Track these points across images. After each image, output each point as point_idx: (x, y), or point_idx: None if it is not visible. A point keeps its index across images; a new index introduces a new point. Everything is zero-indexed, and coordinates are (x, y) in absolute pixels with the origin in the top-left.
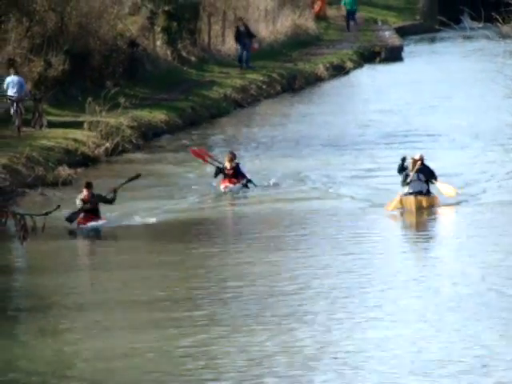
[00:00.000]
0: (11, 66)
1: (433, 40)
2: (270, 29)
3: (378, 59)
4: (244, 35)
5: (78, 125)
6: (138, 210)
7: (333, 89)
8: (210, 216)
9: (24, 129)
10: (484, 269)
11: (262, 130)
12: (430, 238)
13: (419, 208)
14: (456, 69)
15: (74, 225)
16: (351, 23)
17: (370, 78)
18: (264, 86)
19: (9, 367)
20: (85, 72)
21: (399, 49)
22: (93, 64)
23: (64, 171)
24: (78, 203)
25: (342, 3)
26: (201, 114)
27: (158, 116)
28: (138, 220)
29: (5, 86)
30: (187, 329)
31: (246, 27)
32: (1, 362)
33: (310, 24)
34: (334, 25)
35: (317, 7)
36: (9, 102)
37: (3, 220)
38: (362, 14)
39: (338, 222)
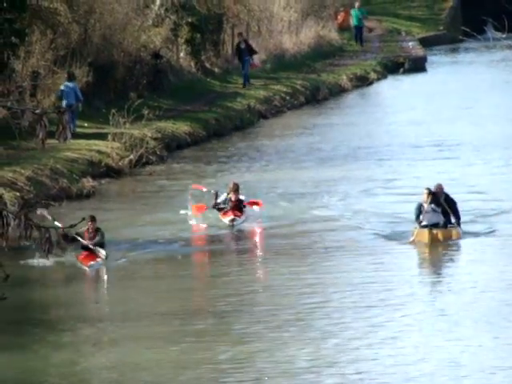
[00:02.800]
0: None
1: (456, 50)
2: (293, 40)
3: (401, 70)
4: (245, 52)
5: (101, 136)
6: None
7: (356, 100)
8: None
9: (48, 141)
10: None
11: (286, 142)
12: (438, 278)
13: (434, 241)
14: (480, 79)
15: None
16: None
17: (394, 88)
18: (288, 97)
19: (25, 379)
20: (109, 84)
21: (423, 59)
22: (116, 76)
23: (88, 183)
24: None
25: (352, 15)
26: (225, 126)
27: (182, 127)
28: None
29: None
30: (205, 342)
31: (247, 44)
32: (17, 373)
33: (333, 35)
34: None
35: (340, 18)
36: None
37: (28, 233)
38: (385, 24)
39: (349, 254)
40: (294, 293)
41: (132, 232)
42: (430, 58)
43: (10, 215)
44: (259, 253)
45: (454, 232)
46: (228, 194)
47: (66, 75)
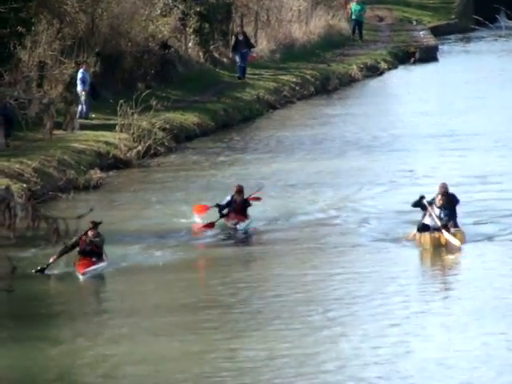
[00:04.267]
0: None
1: (468, 39)
2: (303, 29)
3: (412, 60)
4: (242, 44)
5: (109, 127)
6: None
7: (367, 90)
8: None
9: (55, 132)
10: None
11: (296, 133)
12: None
13: (436, 246)
14: (492, 69)
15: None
16: (356, 36)
17: (405, 78)
18: (297, 88)
19: (27, 373)
20: (116, 74)
21: (434, 49)
22: (124, 66)
23: (96, 174)
24: (74, 241)
25: (351, 9)
26: (233, 117)
27: (191, 118)
28: (142, 259)
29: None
30: (223, 334)
31: (245, 36)
32: (33, 366)
33: (343, 24)
34: (368, 25)
35: (350, 7)
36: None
37: (35, 224)
38: (396, 13)
39: (356, 252)
40: (312, 288)
41: (139, 224)
42: (442, 48)
43: (18, 206)
44: (271, 248)
45: (457, 236)
46: (233, 196)
47: (82, 64)
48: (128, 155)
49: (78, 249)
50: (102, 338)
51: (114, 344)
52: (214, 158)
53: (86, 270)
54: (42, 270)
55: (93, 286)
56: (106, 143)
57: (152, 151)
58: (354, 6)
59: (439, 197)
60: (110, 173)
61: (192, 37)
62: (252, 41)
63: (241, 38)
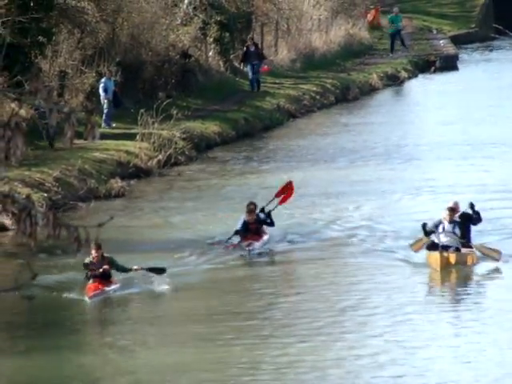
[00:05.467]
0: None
1: (489, 48)
2: (323, 39)
3: (432, 68)
4: (253, 56)
5: (130, 137)
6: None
7: (387, 99)
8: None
9: (76, 141)
10: None
11: (316, 142)
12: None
13: (446, 266)
14: None
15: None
16: (399, 43)
17: (425, 87)
18: (317, 97)
19: (66, 380)
20: (137, 83)
21: (454, 58)
22: (145, 75)
23: (116, 184)
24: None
25: (389, 20)
26: (254, 126)
27: (211, 127)
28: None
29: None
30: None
31: (257, 47)
32: (59, 375)
33: (363, 33)
34: (388, 34)
35: (370, 16)
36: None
37: (56, 232)
38: (416, 22)
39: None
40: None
41: (161, 233)
42: (462, 57)
43: (39, 215)
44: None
45: (468, 256)
46: (244, 219)
47: (105, 73)
48: (149, 164)
49: (88, 273)
50: (124, 347)
51: (137, 353)
52: (235, 167)
53: (95, 293)
54: None
55: (115, 295)
56: (127, 152)
57: (173, 160)
58: (391, 17)
59: (446, 212)
60: (131, 182)
61: (212, 46)
62: (272, 50)
63: (252, 49)
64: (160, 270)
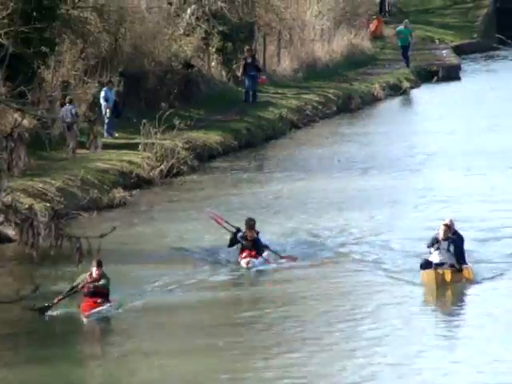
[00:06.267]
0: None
1: (491, 58)
2: (325, 49)
3: (435, 78)
4: (250, 67)
5: (132, 147)
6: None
7: (390, 109)
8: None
9: (78, 151)
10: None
11: (318, 152)
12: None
13: (441, 284)
14: None
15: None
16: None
17: (428, 97)
18: (320, 107)
19: None
20: (139, 93)
21: (457, 68)
22: (147, 85)
23: (119, 193)
24: (80, 282)
25: (398, 33)
26: (256, 135)
27: (213, 137)
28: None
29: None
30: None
31: (254, 59)
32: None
33: (365, 43)
34: (391, 44)
35: (373, 26)
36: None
37: (59, 243)
38: (418, 32)
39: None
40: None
41: (162, 242)
42: (464, 67)
43: (41, 225)
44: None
45: (465, 272)
46: (244, 232)
47: (106, 82)
48: (151, 174)
49: (84, 290)
50: (132, 356)
51: (135, 363)
52: (237, 177)
53: (91, 312)
54: (43, 310)
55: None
56: (130, 162)
57: (175, 170)
58: (400, 30)
59: (442, 228)
60: (133, 192)
61: (215, 56)
62: (275, 60)
63: (249, 60)
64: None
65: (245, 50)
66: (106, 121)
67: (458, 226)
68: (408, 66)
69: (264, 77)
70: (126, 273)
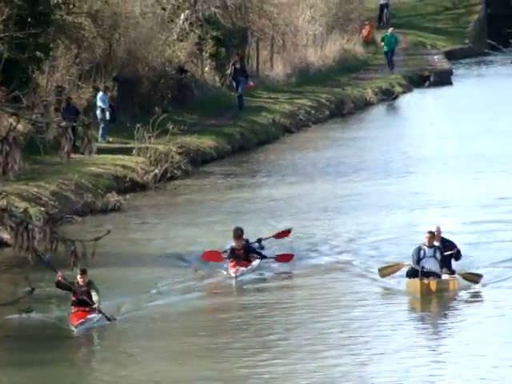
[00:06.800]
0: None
1: (482, 64)
2: (318, 54)
3: (427, 83)
4: (239, 73)
5: (126, 151)
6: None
7: (382, 114)
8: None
9: (73, 155)
10: None
11: (311, 156)
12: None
13: (426, 293)
14: (506, 92)
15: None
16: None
17: (420, 102)
18: (312, 111)
19: None
20: (133, 98)
21: (448, 73)
22: (141, 90)
23: (113, 198)
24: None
25: (382, 39)
26: (249, 140)
27: (207, 142)
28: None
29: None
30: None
31: (242, 64)
32: None
33: (358, 49)
34: (383, 49)
35: (365, 32)
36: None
37: (53, 246)
38: (410, 37)
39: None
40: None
41: (156, 247)
42: (456, 72)
43: (36, 228)
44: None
45: (450, 282)
46: (233, 246)
47: (101, 88)
48: (145, 178)
49: (72, 298)
50: (124, 360)
51: (129, 367)
52: (231, 182)
53: (80, 321)
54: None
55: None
56: (124, 167)
57: (169, 174)
58: (387, 37)
59: (426, 235)
60: (127, 196)
61: (208, 61)
62: (268, 65)
63: (238, 66)
64: (109, 319)
65: (233, 56)
66: (102, 125)
67: (448, 230)
68: (391, 70)
69: (251, 83)
70: (119, 277)
